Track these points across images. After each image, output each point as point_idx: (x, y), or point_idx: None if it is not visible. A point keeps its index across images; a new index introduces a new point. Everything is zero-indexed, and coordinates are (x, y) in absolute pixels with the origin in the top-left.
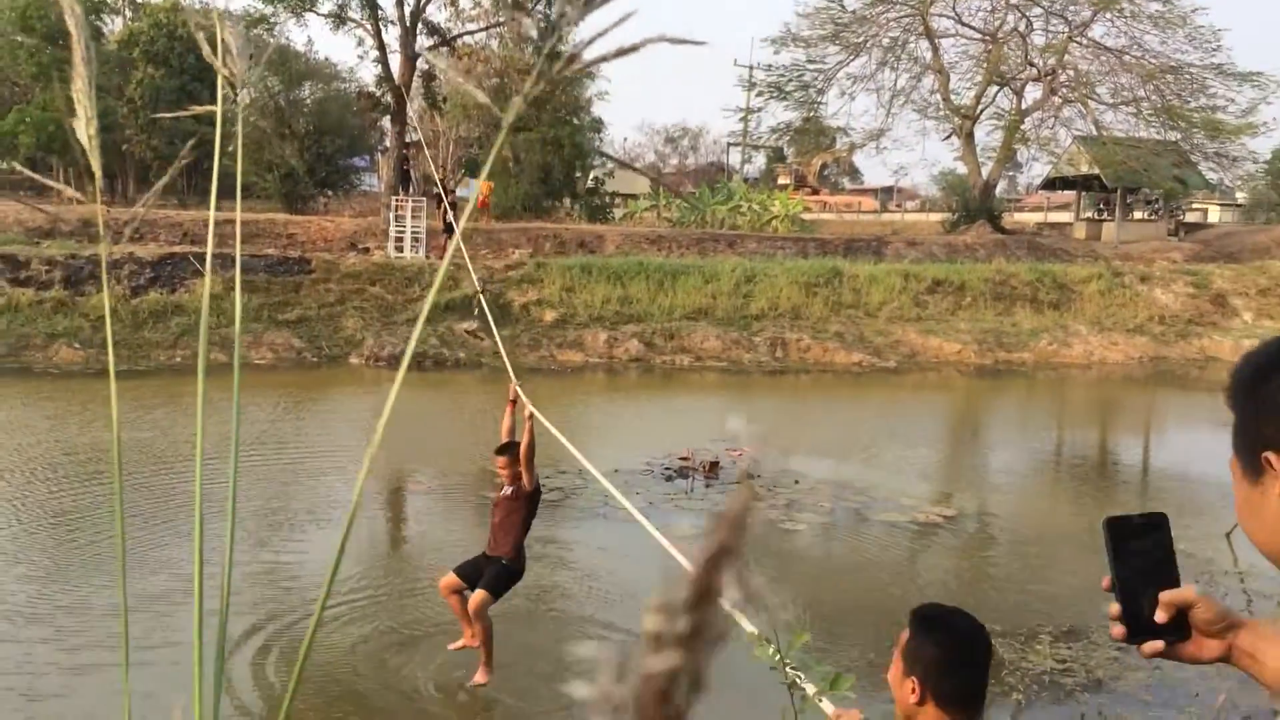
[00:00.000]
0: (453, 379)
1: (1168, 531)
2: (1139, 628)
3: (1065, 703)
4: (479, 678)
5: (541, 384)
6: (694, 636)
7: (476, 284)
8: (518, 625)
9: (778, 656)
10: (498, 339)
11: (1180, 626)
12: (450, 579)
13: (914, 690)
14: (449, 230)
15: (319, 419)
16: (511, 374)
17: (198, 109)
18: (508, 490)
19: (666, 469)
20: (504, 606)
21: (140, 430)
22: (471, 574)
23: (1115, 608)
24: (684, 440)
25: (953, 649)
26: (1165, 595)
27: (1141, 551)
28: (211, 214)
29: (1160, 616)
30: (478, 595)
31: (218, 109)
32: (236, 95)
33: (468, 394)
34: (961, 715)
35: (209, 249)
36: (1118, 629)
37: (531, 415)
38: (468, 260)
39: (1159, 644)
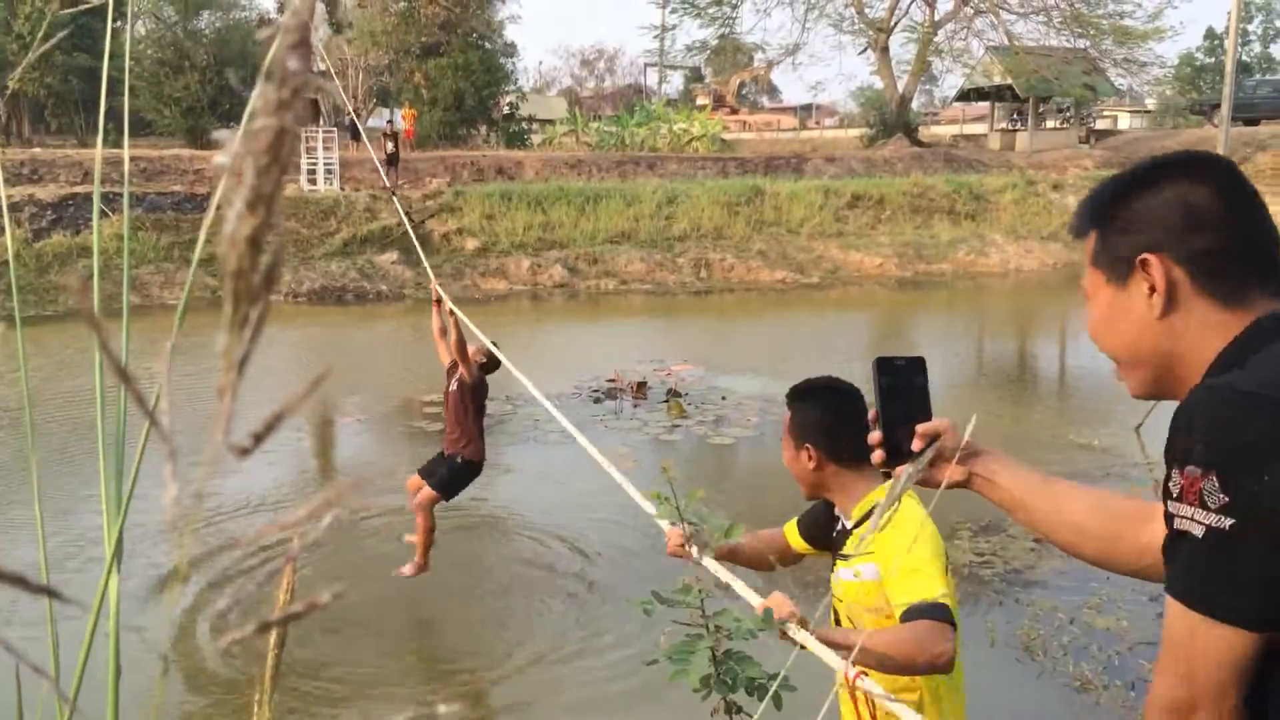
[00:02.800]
0: (375, 311)
1: (925, 373)
2: (896, 454)
3: (985, 592)
4: (406, 570)
5: (466, 313)
6: (288, 104)
7: (399, 205)
8: (474, 536)
9: (676, 512)
10: (415, 238)
11: None
12: (413, 479)
13: (810, 457)
14: (392, 162)
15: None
16: (430, 274)
17: None
18: (451, 385)
19: (595, 391)
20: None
21: (36, 377)
22: (430, 473)
23: (877, 435)
24: (611, 362)
25: (833, 407)
26: (921, 427)
27: (903, 389)
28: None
29: (916, 445)
30: (426, 490)
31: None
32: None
33: (390, 326)
34: (857, 467)
35: (95, 189)
36: (878, 454)
37: (452, 312)
38: (382, 171)
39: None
